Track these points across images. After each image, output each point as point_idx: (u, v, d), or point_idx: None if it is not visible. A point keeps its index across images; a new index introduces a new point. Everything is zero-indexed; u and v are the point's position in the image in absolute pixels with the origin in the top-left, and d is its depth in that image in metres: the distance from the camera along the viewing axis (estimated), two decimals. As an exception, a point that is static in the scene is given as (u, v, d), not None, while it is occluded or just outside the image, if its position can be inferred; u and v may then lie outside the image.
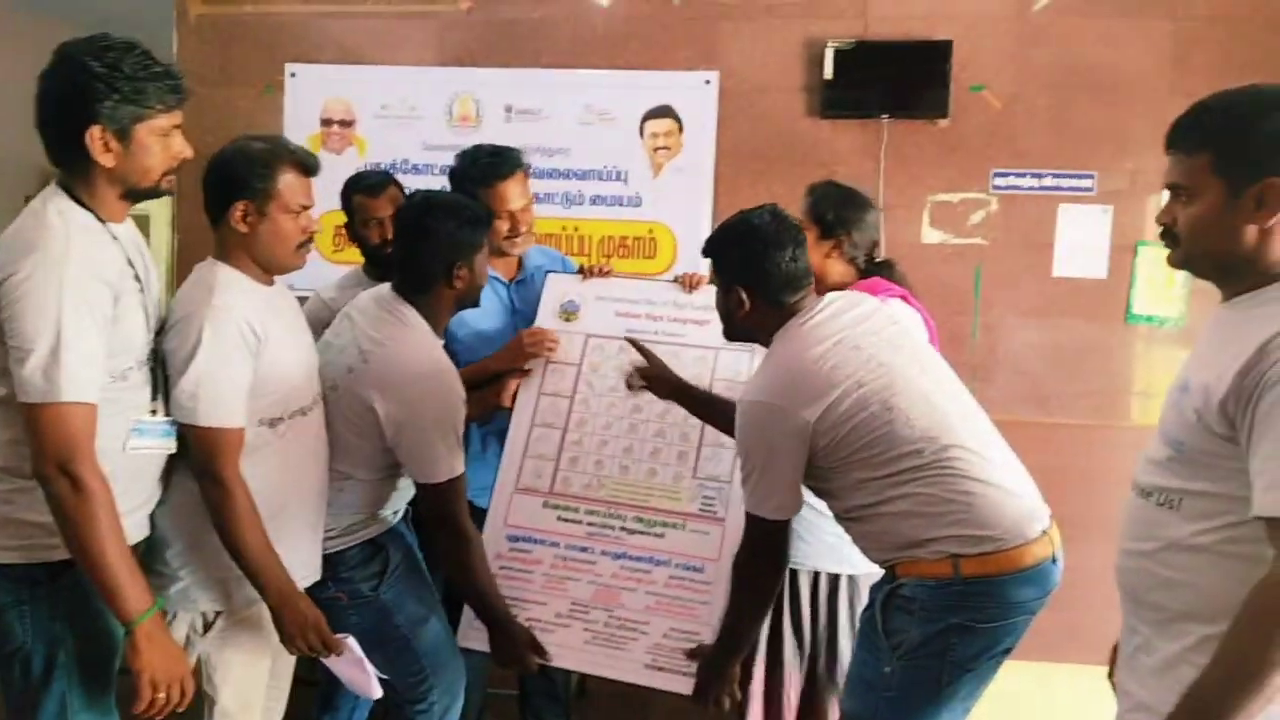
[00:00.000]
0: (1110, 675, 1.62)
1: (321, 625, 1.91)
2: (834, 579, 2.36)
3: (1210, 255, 1.40)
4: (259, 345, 1.85)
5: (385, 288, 2.17)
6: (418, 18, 3.64)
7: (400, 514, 2.29)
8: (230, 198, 1.87)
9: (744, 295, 1.93)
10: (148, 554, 1.88)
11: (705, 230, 3.46)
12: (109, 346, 1.66)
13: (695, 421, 2.32)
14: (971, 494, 1.77)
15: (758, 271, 1.93)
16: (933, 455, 1.78)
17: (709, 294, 2.28)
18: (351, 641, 1.98)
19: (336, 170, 3.57)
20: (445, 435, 2.03)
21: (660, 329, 2.45)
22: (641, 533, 2.27)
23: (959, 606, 1.76)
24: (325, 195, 3.50)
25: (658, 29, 3.53)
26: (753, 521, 1.89)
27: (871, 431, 1.78)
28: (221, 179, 1.89)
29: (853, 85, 3.39)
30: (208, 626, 1.94)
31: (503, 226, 2.49)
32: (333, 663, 2.01)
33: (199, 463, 1.82)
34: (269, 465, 1.89)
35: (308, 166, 1.95)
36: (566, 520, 2.33)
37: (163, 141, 1.74)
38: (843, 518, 1.93)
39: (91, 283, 1.62)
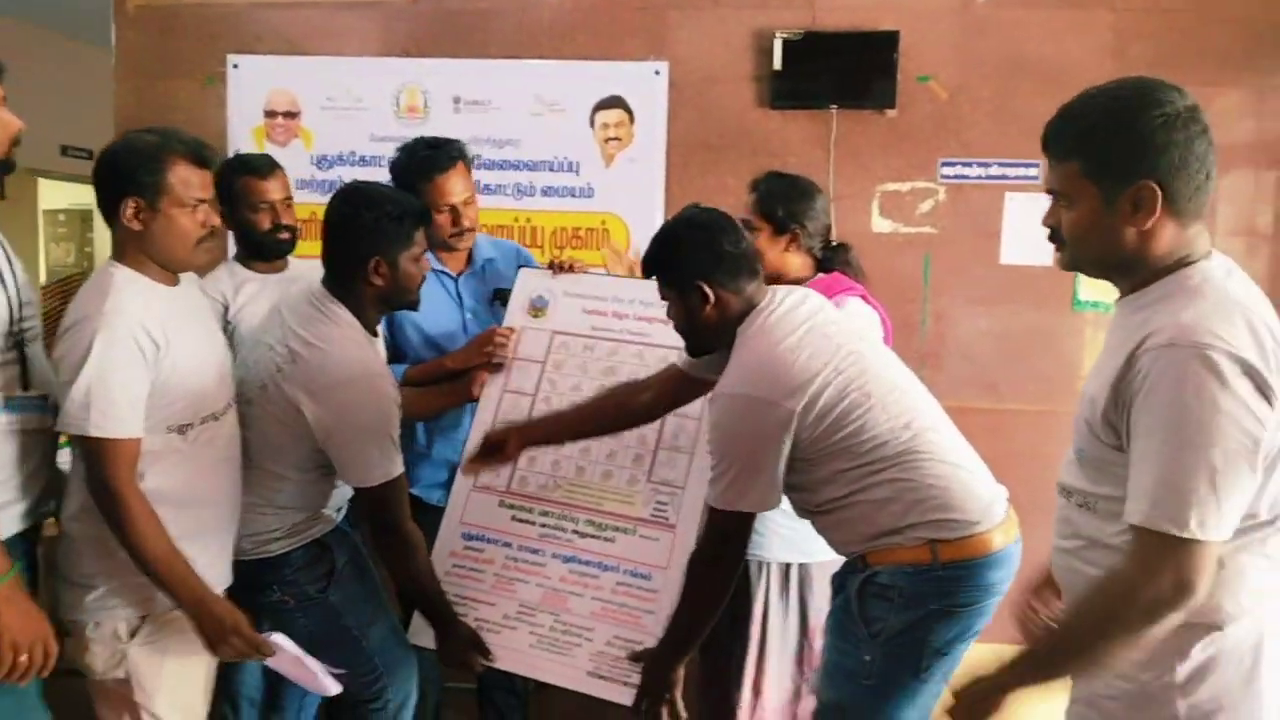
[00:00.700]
0: None
1: (242, 627, 1.85)
2: (784, 569, 2.37)
3: (1094, 258, 1.41)
4: (158, 352, 1.79)
5: (317, 283, 2.08)
6: (363, 7, 3.58)
7: (343, 512, 2.26)
8: (120, 195, 1.80)
9: (706, 289, 1.88)
10: (61, 563, 1.85)
11: (657, 221, 3.46)
12: None
13: (655, 424, 2.29)
14: (946, 477, 1.79)
15: (713, 258, 1.89)
16: (908, 441, 1.79)
17: None
18: (279, 639, 1.92)
19: (283, 162, 3.50)
20: (378, 439, 1.97)
21: (625, 327, 2.43)
22: (593, 536, 2.24)
23: (939, 592, 1.77)
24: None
25: (606, 19, 3.51)
26: (723, 517, 1.85)
27: (852, 420, 1.78)
28: (109, 176, 1.82)
29: (802, 76, 3.40)
30: (133, 633, 1.88)
31: (445, 221, 2.46)
32: (275, 663, 1.97)
33: (90, 473, 1.76)
34: (179, 472, 1.85)
35: (202, 158, 1.87)
36: (520, 520, 2.30)
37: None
38: (812, 511, 1.92)
39: None
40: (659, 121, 3.48)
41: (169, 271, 1.88)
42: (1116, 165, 1.33)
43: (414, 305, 2.14)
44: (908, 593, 1.79)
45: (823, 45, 3.40)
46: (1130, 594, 1.26)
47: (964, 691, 1.48)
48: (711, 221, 1.92)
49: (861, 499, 1.81)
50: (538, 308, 2.49)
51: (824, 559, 2.15)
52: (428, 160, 2.46)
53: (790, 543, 2.31)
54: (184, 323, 1.86)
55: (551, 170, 3.50)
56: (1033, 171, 3.43)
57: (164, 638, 1.89)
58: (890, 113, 3.44)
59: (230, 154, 3.45)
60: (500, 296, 2.59)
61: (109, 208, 1.82)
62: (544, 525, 2.29)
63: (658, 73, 3.47)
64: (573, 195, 3.50)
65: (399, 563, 2.08)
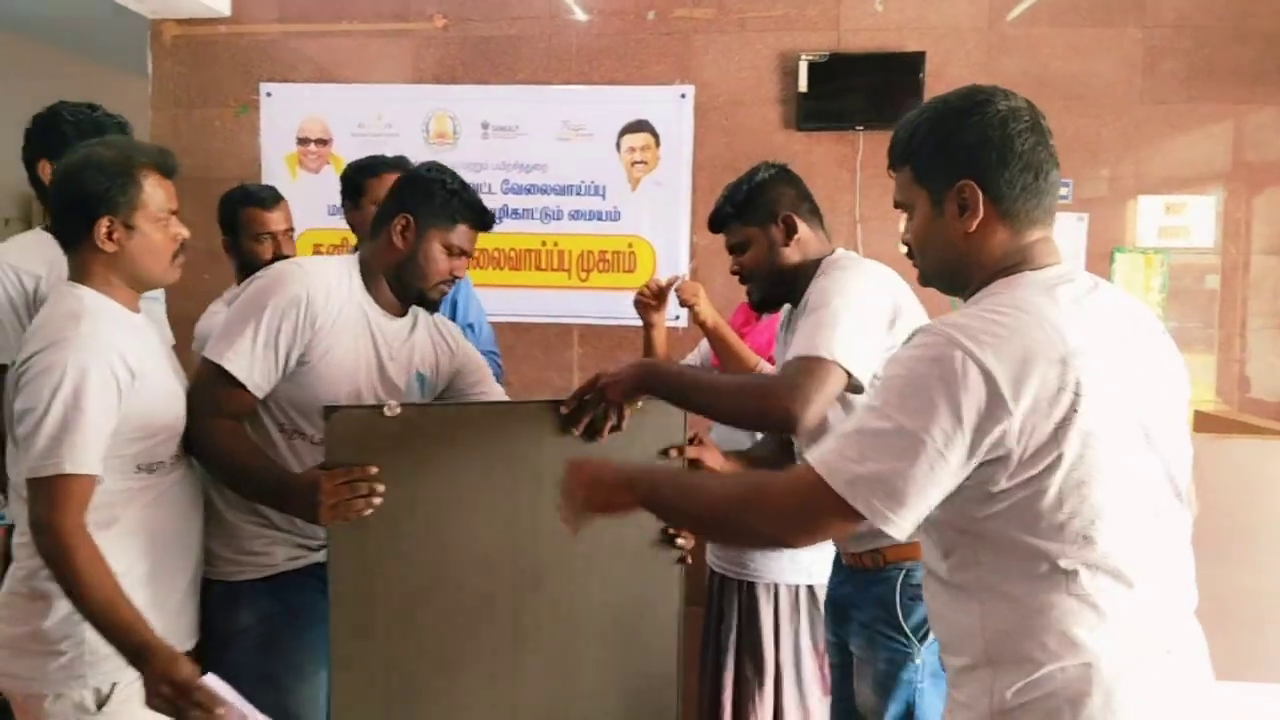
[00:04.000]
0: None
1: (173, 672, 1.56)
2: (793, 591, 2.35)
3: (935, 268, 1.36)
4: (132, 382, 1.63)
5: None
6: (393, 36, 3.63)
7: (300, 561, 1.96)
8: (92, 216, 1.64)
9: (796, 221, 1.81)
10: (4, 628, 1.66)
11: (684, 243, 3.49)
12: None
13: None
14: None
15: (799, 195, 1.89)
16: None
17: None
18: (212, 680, 1.63)
19: (315, 189, 3.59)
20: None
21: None
22: None
23: None
24: (307, 214, 3.54)
25: (632, 44, 3.54)
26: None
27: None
28: (78, 196, 1.65)
29: (827, 97, 3.41)
30: (102, 702, 1.66)
31: None
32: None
33: (35, 513, 1.56)
34: (148, 517, 1.70)
35: (169, 168, 1.73)
36: None
37: None
38: None
39: None
40: (685, 144, 3.49)
41: (138, 293, 1.75)
42: (940, 166, 1.29)
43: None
44: None
45: (848, 67, 3.40)
46: (764, 500, 1.27)
47: (599, 466, 1.47)
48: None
49: None
50: None
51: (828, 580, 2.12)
52: (375, 161, 2.50)
53: (798, 564, 2.29)
54: (150, 351, 1.73)
55: (578, 194, 3.52)
56: (1063, 191, 3.40)
57: (137, 704, 1.64)
58: (917, 133, 3.42)
59: (263, 180, 3.51)
60: None
61: (76, 231, 1.67)
62: None
63: (683, 96, 3.49)
64: (599, 219, 3.52)
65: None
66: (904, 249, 1.42)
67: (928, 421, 1.15)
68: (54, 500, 1.55)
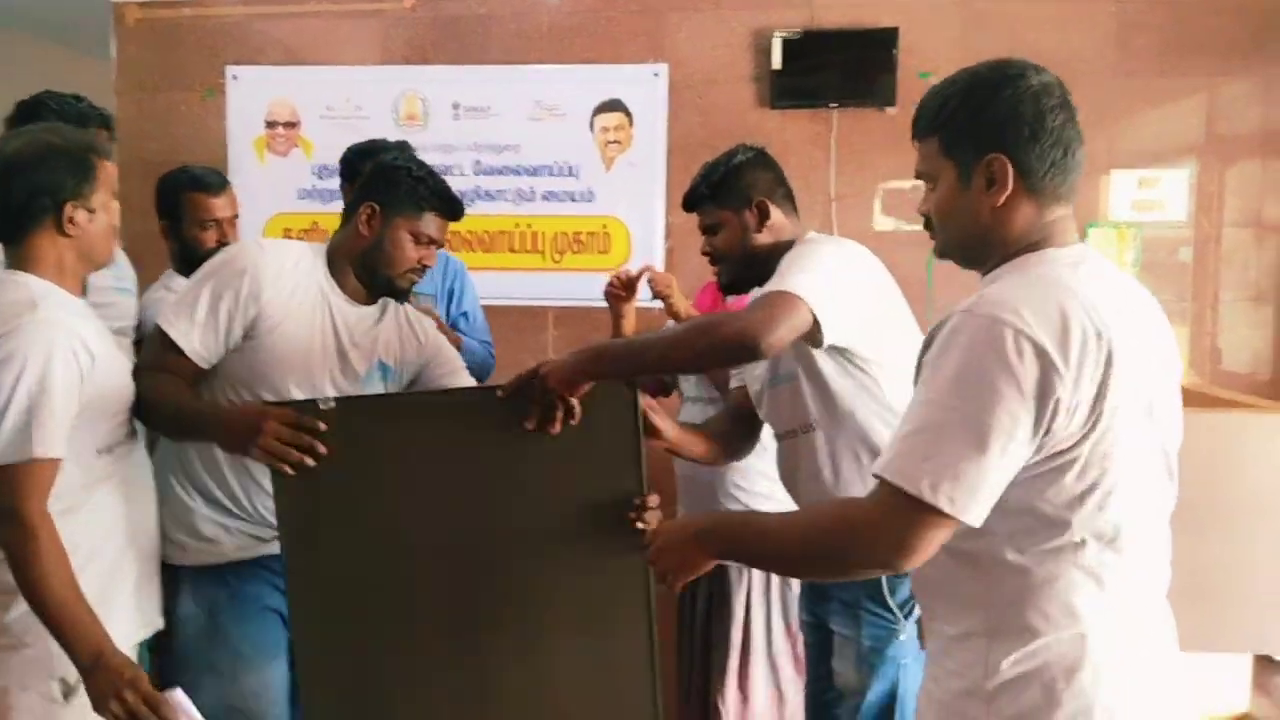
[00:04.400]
0: None
1: (141, 683, 1.55)
2: (766, 574, 2.35)
3: (957, 241, 1.36)
4: (92, 365, 1.63)
5: None
6: (361, 16, 3.58)
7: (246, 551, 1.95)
8: (58, 202, 1.64)
9: (769, 206, 1.76)
10: None
11: (659, 224, 3.47)
12: None
13: None
14: None
15: (775, 179, 1.89)
16: None
17: None
18: (180, 697, 1.60)
19: (283, 172, 3.54)
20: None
21: None
22: None
23: None
24: (276, 198, 3.49)
25: (604, 22, 3.50)
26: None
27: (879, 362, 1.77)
28: (40, 185, 1.64)
29: (801, 75, 3.39)
30: (69, 692, 1.62)
31: None
32: None
33: None
34: (110, 501, 1.69)
35: (109, 150, 1.77)
36: None
37: None
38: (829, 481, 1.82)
39: None
40: (659, 124, 3.46)
41: (86, 275, 1.76)
42: (970, 139, 1.30)
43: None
44: None
45: (822, 44, 3.38)
46: (849, 538, 1.25)
47: (665, 533, 1.52)
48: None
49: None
50: None
51: None
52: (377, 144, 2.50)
53: None
54: (101, 333, 1.72)
55: (551, 175, 3.49)
56: (1037, 166, 3.40)
57: None
58: (891, 110, 3.41)
59: (231, 164, 3.46)
60: None
61: (31, 217, 1.65)
62: None
63: (657, 75, 3.46)
64: (573, 200, 3.49)
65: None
66: (921, 220, 1.41)
67: (992, 404, 1.15)
68: (19, 486, 1.55)
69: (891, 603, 1.80)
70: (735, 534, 1.46)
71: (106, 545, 1.68)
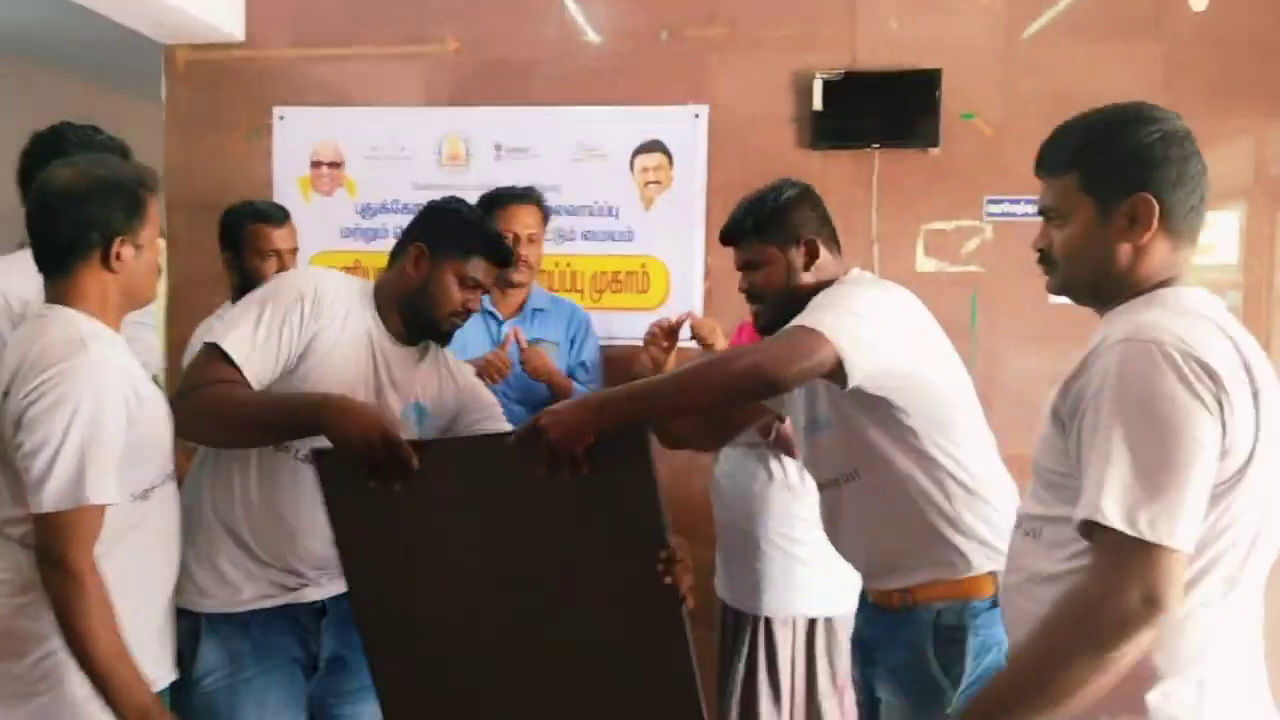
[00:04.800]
0: None
1: None
2: (810, 624, 2.29)
3: (1086, 277, 1.37)
4: (139, 405, 1.60)
5: None
6: (405, 59, 3.63)
7: (286, 598, 1.90)
8: (107, 236, 1.60)
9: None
10: None
11: (698, 264, 3.46)
12: None
13: None
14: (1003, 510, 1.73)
15: (821, 218, 1.86)
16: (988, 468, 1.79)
17: None
18: None
19: (327, 211, 3.58)
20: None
21: None
22: None
23: (998, 624, 1.63)
24: (319, 236, 3.53)
25: (645, 64, 3.52)
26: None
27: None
28: (90, 218, 1.59)
29: (842, 116, 3.37)
30: None
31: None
32: None
33: (46, 548, 1.51)
34: (141, 546, 1.65)
35: (157, 185, 1.72)
36: None
37: None
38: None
39: None
40: (699, 164, 3.47)
41: (127, 313, 1.71)
42: (1115, 177, 1.31)
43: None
44: (981, 630, 1.68)
45: (863, 85, 3.36)
46: (1092, 612, 1.16)
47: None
48: (811, 189, 1.86)
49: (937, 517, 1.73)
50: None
51: (849, 611, 2.03)
52: (502, 193, 2.65)
53: (816, 594, 2.23)
54: (144, 375, 1.69)
55: (591, 215, 3.50)
56: (1082, 208, 3.36)
57: None
58: (934, 151, 3.39)
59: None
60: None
61: (78, 252, 1.60)
62: None
63: (697, 116, 3.47)
64: (613, 239, 3.49)
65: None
66: (1037, 256, 1.42)
67: (1188, 426, 1.14)
68: (70, 534, 1.51)
69: (940, 673, 1.71)
70: (985, 712, 1.29)
71: (135, 590, 1.64)
